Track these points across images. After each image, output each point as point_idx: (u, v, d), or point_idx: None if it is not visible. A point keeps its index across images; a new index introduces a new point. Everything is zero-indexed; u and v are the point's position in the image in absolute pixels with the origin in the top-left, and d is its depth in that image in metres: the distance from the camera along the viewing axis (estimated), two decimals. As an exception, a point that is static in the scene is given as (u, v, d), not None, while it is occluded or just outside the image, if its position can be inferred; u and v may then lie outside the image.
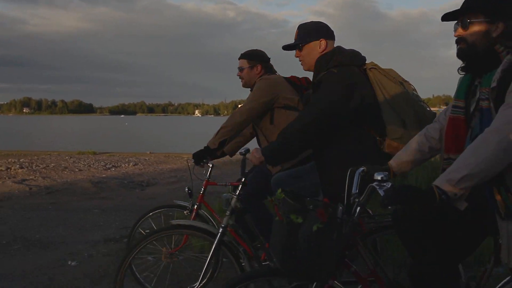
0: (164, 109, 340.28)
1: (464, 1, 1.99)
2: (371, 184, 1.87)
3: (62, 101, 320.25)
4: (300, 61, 2.74)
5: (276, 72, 3.42)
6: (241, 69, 3.37)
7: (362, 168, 2.05)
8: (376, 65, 2.60)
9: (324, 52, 2.63)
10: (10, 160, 12.94)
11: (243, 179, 2.85)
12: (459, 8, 1.96)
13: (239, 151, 3.19)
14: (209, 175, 3.42)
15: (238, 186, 2.86)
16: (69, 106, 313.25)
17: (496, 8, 1.89)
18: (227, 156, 3.66)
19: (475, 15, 1.91)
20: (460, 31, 1.95)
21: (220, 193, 6.25)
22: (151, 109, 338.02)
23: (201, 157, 3.24)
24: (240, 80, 3.42)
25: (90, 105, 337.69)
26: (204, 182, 3.42)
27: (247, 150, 3.23)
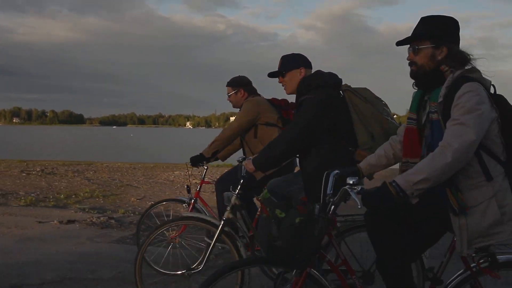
0: (155, 120, 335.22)
1: (414, 30, 2.26)
2: (343, 187, 2.08)
3: (53, 111, 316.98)
4: (283, 86, 3.13)
5: (258, 93, 4.08)
6: (228, 95, 4.08)
7: (336, 171, 2.27)
8: (349, 86, 2.95)
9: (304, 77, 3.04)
10: (177, 172, 12.62)
11: (242, 181, 3.23)
12: (409, 36, 2.24)
13: (237, 158, 3.60)
14: (204, 176, 4.20)
15: (237, 185, 3.25)
16: (59, 116, 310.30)
17: (440, 35, 2.17)
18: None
19: (423, 42, 2.19)
20: (412, 55, 2.23)
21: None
22: (141, 121, 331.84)
23: (197, 161, 3.99)
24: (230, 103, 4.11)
25: (81, 116, 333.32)
26: (200, 181, 4.21)
27: (244, 158, 3.60)
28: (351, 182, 2.05)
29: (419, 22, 2.25)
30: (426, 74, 2.19)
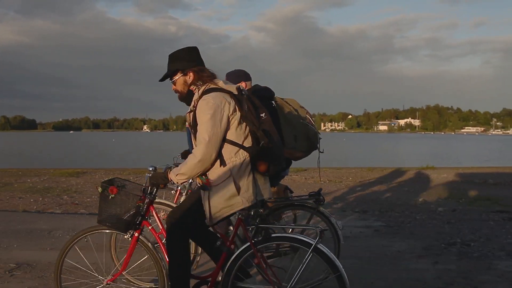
0: (110, 124, 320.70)
1: (167, 66, 2.71)
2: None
3: (4, 117, 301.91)
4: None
5: None
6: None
7: (152, 171, 3.03)
8: (280, 98, 3.45)
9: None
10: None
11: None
12: (165, 73, 2.72)
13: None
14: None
15: None
16: (11, 122, 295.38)
17: (184, 64, 2.65)
18: None
19: (176, 75, 2.68)
20: (173, 87, 2.72)
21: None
22: (96, 125, 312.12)
23: (187, 155, 4.88)
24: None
25: (33, 121, 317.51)
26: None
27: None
28: (149, 169, 3.00)
29: (168, 59, 2.72)
30: (186, 96, 2.70)
